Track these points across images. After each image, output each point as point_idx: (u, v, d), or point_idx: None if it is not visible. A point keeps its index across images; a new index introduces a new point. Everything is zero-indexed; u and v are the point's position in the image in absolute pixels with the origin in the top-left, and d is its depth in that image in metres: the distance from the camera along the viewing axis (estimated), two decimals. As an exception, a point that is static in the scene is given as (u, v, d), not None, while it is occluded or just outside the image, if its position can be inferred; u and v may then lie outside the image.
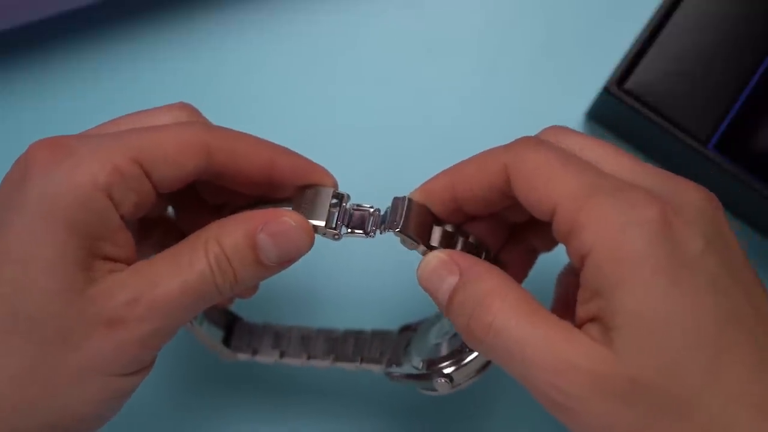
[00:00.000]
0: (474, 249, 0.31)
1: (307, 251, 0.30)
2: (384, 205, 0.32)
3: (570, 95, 0.44)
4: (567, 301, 0.32)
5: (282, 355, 0.36)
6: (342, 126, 0.44)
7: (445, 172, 0.31)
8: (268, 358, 0.36)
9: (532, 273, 0.35)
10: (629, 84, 0.40)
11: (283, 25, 0.45)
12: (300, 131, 0.43)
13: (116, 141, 0.29)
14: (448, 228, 0.31)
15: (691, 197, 0.28)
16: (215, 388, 0.42)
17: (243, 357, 0.36)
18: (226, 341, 0.37)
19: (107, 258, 0.29)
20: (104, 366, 0.28)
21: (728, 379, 0.25)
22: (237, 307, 0.39)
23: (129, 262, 0.29)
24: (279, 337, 0.36)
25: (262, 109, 0.44)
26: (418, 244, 0.30)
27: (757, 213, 0.42)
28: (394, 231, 0.30)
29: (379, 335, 0.36)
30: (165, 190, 0.30)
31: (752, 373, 0.26)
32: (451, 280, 0.29)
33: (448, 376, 0.31)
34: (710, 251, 0.26)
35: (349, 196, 0.32)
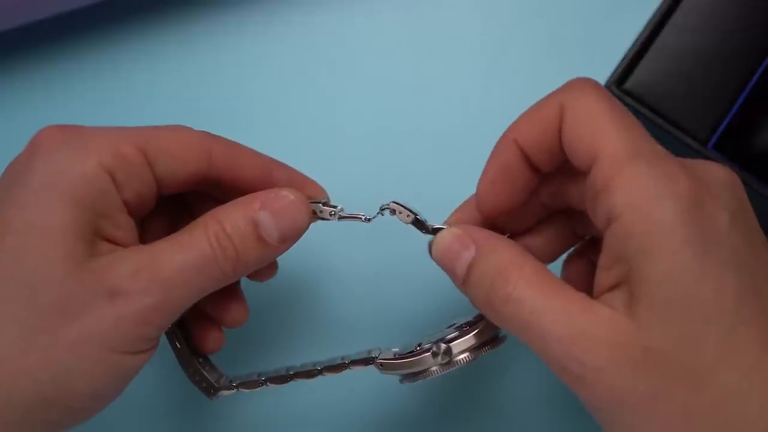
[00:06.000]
0: None
1: (306, 227, 0.31)
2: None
3: (570, 95, 0.44)
4: (576, 281, 0.32)
5: (266, 380, 0.34)
6: (340, 127, 0.44)
7: (506, 132, 0.31)
8: (252, 386, 0.34)
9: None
10: (629, 84, 0.40)
11: (282, 26, 0.45)
12: (298, 132, 0.43)
13: (123, 130, 0.30)
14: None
15: (716, 174, 0.28)
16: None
17: (227, 393, 0.34)
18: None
19: (108, 239, 0.29)
20: (104, 339, 0.28)
21: (743, 353, 0.26)
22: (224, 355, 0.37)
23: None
24: (261, 374, 0.35)
25: (260, 109, 0.44)
26: (415, 214, 0.31)
27: (757, 213, 0.42)
28: (390, 204, 0.31)
29: (366, 350, 0.35)
30: (166, 189, 0.31)
31: (766, 350, 0.26)
32: (468, 254, 0.29)
33: (446, 343, 0.31)
34: (735, 227, 0.27)
35: (342, 209, 0.32)
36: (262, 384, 0.34)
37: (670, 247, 0.26)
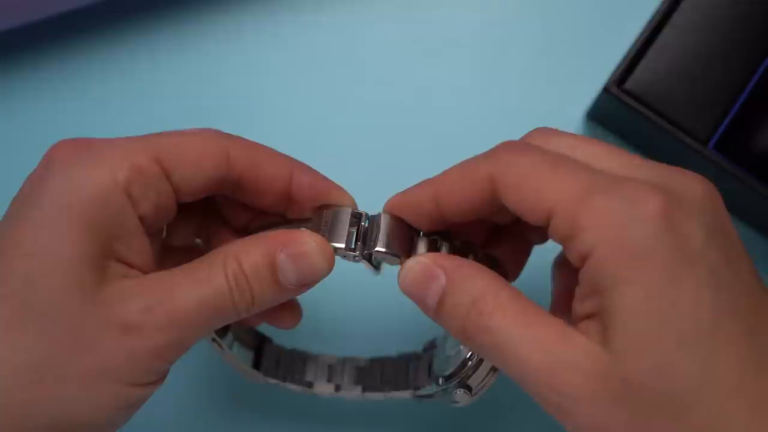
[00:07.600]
0: (461, 253, 0.31)
1: (326, 275, 0.30)
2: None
3: (570, 95, 0.44)
4: (564, 294, 0.32)
5: (311, 385, 0.35)
6: (341, 127, 0.44)
7: (426, 183, 0.30)
8: (296, 387, 0.35)
9: (528, 268, 0.34)
10: (629, 84, 0.40)
11: (283, 27, 0.45)
12: (299, 132, 0.44)
13: (136, 141, 0.29)
14: (433, 237, 0.31)
15: (691, 188, 0.27)
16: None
17: (273, 381, 0.35)
18: (256, 363, 0.36)
19: (122, 261, 0.28)
20: (116, 373, 0.28)
21: (724, 376, 0.25)
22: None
23: (144, 271, 0.29)
24: (306, 366, 0.36)
25: (262, 110, 0.44)
26: (400, 257, 0.30)
27: (757, 213, 0.42)
28: (372, 251, 0.30)
29: (404, 357, 0.36)
30: (185, 197, 0.30)
31: (748, 371, 0.25)
32: (438, 285, 0.28)
33: (465, 386, 0.31)
34: (711, 244, 0.26)
35: (367, 215, 0.31)
36: (309, 387, 0.36)
37: (641, 274, 0.25)
